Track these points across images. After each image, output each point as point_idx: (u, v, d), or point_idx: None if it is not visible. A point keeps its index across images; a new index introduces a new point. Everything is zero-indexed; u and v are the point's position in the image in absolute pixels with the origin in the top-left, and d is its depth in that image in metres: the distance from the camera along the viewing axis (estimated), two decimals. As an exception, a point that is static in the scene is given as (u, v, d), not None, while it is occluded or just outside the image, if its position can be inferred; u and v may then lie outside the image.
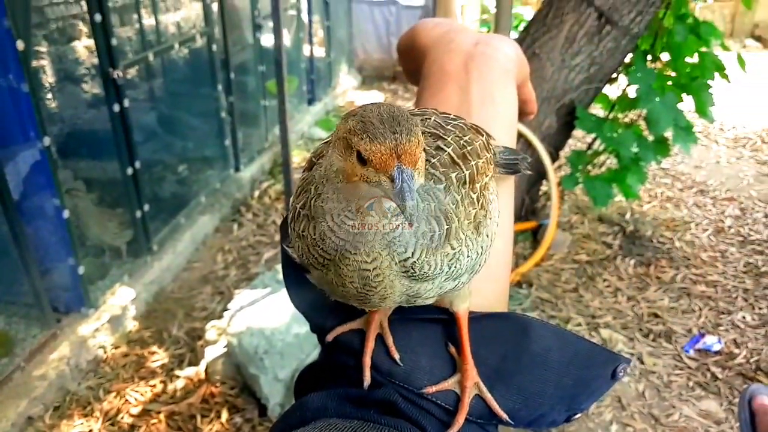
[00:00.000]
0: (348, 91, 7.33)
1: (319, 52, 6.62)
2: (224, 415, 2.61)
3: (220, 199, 4.26)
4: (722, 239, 4.11)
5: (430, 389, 0.56)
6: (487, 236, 0.54)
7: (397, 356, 0.57)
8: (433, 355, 0.59)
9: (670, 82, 3.42)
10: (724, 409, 2.71)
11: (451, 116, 0.57)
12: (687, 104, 3.38)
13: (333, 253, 0.48)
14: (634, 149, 3.45)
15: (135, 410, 2.65)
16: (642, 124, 3.47)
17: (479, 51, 0.73)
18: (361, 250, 0.47)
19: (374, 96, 7.41)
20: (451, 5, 6.85)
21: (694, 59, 3.37)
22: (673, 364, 2.98)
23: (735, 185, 4.94)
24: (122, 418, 2.62)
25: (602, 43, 3.18)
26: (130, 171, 3.19)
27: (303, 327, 2.67)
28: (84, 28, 3.26)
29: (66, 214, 2.70)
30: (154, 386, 2.79)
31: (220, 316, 3.00)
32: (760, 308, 3.40)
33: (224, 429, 2.56)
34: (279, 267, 3.34)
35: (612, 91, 3.65)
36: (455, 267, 0.50)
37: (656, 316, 3.31)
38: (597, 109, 3.70)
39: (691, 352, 3.04)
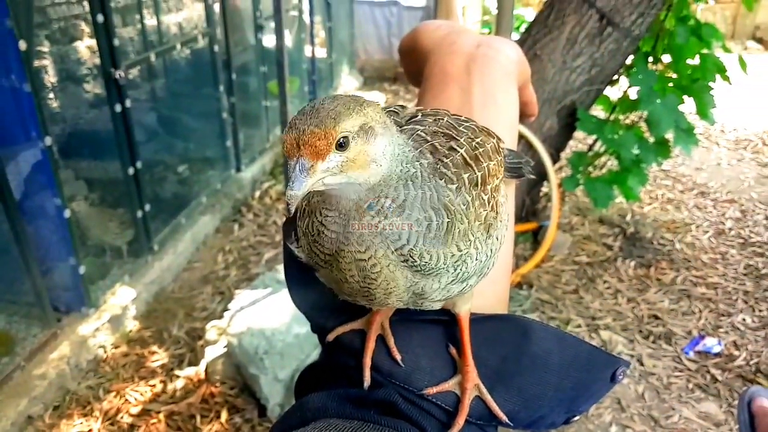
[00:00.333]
0: (349, 91, 7.34)
1: (321, 52, 6.62)
2: (224, 415, 2.61)
3: (221, 199, 4.27)
4: (723, 241, 4.11)
5: (431, 390, 0.56)
6: (497, 239, 0.54)
7: (398, 357, 0.57)
8: (434, 356, 0.59)
9: (671, 84, 3.42)
10: (724, 411, 2.71)
11: (463, 117, 0.57)
12: (688, 106, 3.39)
13: (330, 247, 0.48)
14: (635, 151, 3.45)
15: (135, 410, 2.66)
16: (643, 125, 3.47)
17: (481, 53, 0.73)
18: (352, 240, 0.47)
19: (375, 97, 7.42)
20: (452, 6, 6.86)
21: (696, 61, 3.37)
22: (673, 365, 2.98)
23: (736, 187, 4.94)
24: (122, 417, 2.62)
25: (603, 45, 3.18)
26: (131, 171, 3.20)
27: (303, 327, 2.67)
28: (86, 28, 3.27)
29: (67, 213, 2.71)
30: (153, 386, 2.79)
31: (221, 316, 3.00)
32: (760, 310, 3.39)
33: (224, 429, 2.56)
34: (279, 267, 3.34)
35: (613, 92, 3.65)
36: (462, 269, 0.50)
37: (656, 317, 3.31)
38: (598, 111, 3.70)
39: (691, 354, 3.04)
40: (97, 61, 3.03)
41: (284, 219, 0.61)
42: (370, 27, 7.88)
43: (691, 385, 2.86)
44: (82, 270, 2.84)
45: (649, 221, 4.34)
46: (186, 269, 3.69)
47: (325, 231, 0.48)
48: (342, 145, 0.44)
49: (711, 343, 3.09)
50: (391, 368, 0.57)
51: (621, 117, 3.61)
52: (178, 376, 2.83)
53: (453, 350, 0.59)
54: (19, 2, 2.57)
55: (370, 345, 0.59)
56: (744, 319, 3.31)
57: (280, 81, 3.15)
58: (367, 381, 0.57)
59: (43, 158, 2.57)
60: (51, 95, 3.11)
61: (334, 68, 6.97)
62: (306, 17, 6.05)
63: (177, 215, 3.79)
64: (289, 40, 5.47)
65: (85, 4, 3.09)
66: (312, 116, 0.44)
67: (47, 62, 3.06)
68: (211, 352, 2.82)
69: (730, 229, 4.26)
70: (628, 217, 4.36)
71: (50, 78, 3.09)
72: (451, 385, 0.57)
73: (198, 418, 2.61)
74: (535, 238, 3.88)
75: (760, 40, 10.21)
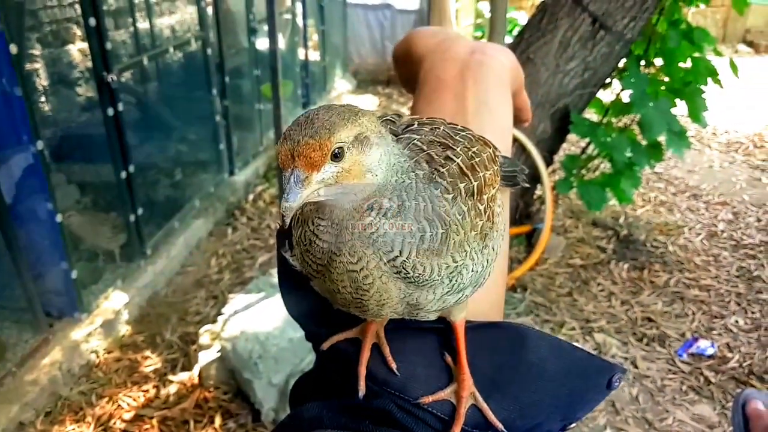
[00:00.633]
0: (343, 95, 7.33)
1: (314, 56, 6.62)
2: (217, 420, 2.60)
3: (214, 203, 4.25)
4: (715, 243, 4.13)
5: (427, 399, 0.56)
6: (493, 249, 0.54)
7: (394, 366, 0.57)
8: (429, 365, 0.59)
9: (663, 87, 3.44)
10: (718, 414, 2.72)
11: (459, 127, 0.57)
12: (680, 109, 3.41)
13: (322, 257, 0.48)
14: (628, 154, 3.47)
15: (127, 415, 2.64)
16: (636, 128, 3.49)
17: (475, 59, 0.73)
18: (344, 251, 0.46)
19: (369, 100, 7.42)
20: (445, 10, 6.87)
21: (688, 64, 3.40)
22: (667, 368, 2.99)
23: (728, 189, 4.97)
24: (115, 423, 2.60)
25: (596, 48, 3.19)
26: (123, 175, 3.18)
27: (297, 332, 2.66)
28: (78, 31, 3.25)
29: (59, 218, 2.69)
30: (146, 391, 2.78)
31: (214, 321, 2.98)
32: (752, 312, 3.41)
33: (218, 434, 2.55)
34: (273, 271, 3.33)
35: (606, 95, 3.67)
36: (457, 280, 0.50)
37: (650, 320, 3.32)
38: (591, 114, 3.72)
39: (685, 357, 3.05)
40: (89, 64, 3.02)
41: (277, 228, 0.61)
42: (364, 30, 7.89)
43: (684, 388, 2.87)
44: (74, 274, 2.82)
45: (642, 224, 4.35)
46: (179, 273, 3.67)
47: (317, 241, 0.48)
48: (337, 156, 0.44)
49: (704, 345, 3.10)
50: (386, 377, 0.57)
51: (614, 120, 3.63)
52: (171, 381, 2.82)
53: (448, 358, 0.59)
54: (9, 5, 2.56)
55: (365, 354, 0.58)
56: (737, 321, 3.33)
57: (273, 84, 3.14)
58: (361, 391, 0.56)
59: (34, 162, 2.56)
60: (43, 99, 3.09)
61: (327, 71, 6.98)
62: (299, 20, 6.05)
63: (170, 219, 3.77)
64: (282, 43, 5.47)
65: (77, 7, 3.07)
66: (307, 127, 0.44)
67: (39, 66, 3.04)
68: (205, 357, 2.80)
69: (723, 232, 4.28)
70: (622, 220, 4.38)
71: (42, 81, 3.07)
72: (446, 393, 0.57)
73: (192, 423, 2.59)
74: (529, 241, 3.89)
75: (750, 44, 10.30)
